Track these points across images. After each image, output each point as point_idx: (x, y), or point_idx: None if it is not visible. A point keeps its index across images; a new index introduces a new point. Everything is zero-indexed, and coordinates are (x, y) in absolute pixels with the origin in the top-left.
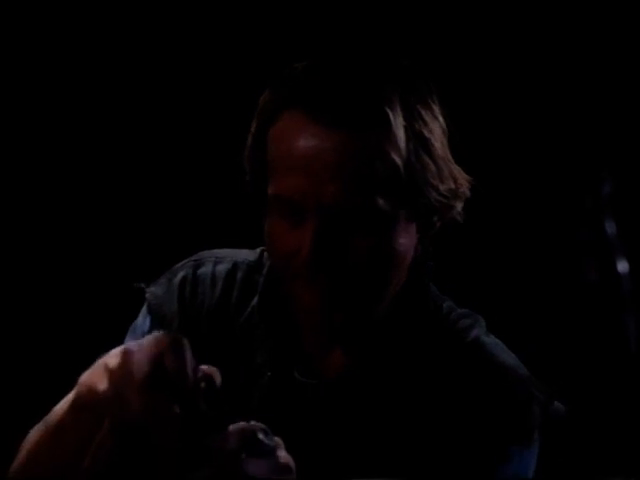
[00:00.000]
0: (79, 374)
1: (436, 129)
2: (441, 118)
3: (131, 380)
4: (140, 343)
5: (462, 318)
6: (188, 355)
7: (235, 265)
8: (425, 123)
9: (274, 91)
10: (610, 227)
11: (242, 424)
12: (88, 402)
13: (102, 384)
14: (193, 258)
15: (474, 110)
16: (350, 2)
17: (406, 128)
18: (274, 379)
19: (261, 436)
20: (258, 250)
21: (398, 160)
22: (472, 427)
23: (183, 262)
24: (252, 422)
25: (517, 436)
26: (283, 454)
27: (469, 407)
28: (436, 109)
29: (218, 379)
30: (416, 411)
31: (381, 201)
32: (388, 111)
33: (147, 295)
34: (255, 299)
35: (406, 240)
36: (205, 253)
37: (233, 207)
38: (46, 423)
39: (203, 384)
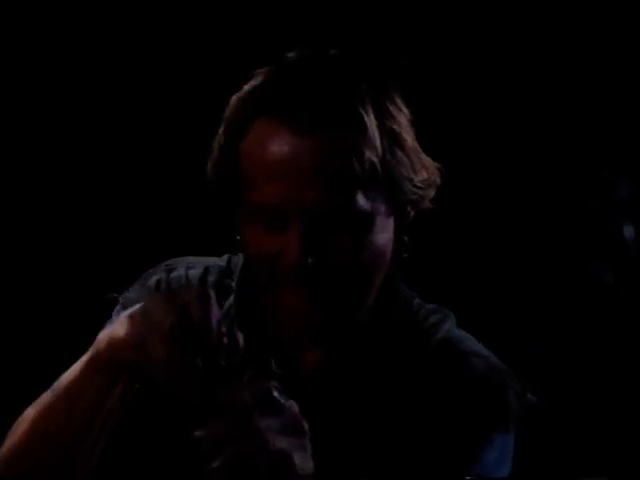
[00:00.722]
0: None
1: (404, 122)
2: (404, 108)
3: (156, 327)
4: (165, 293)
5: (432, 314)
6: (214, 308)
7: (207, 270)
8: (394, 118)
9: (241, 101)
10: (628, 231)
11: (257, 381)
12: (106, 357)
13: (125, 331)
14: (164, 264)
15: (479, 113)
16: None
17: (378, 126)
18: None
19: (276, 393)
20: (226, 257)
21: (374, 158)
22: (449, 418)
23: (154, 268)
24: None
25: (496, 422)
26: (296, 413)
27: (445, 399)
28: (398, 100)
29: (241, 339)
30: (393, 405)
31: (361, 200)
32: (361, 111)
33: (121, 300)
34: (228, 301)
35: (386, 235)
36: (176, 260)
37: (198, 216)
38: (55, 391)
39: (226, 339)
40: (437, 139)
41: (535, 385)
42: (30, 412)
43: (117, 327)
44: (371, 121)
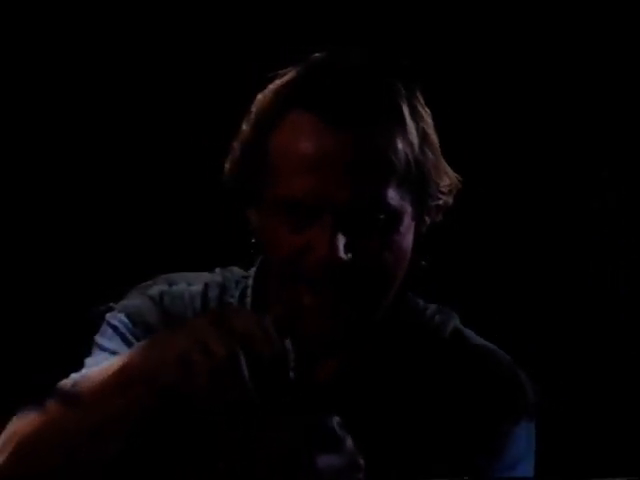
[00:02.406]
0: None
1: (431, 124)
2: (429, 111)
3: (209, 355)
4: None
5: (437, 313)
6: (287, 343)
7: (207, 286)
8: (423, 118)
9: (273, 94)
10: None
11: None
12: (141, 374)
13: (168, 351)
14: (162, 277)
15: (479, 113)
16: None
17: (414, 124)
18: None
19: (337, 428)
20: (218, 272)
21: (410, 155)
22: (475, 411)
23: (150, 281)
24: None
25: (520, 410)
26: (354, 449)
27: (467, 393)
28: (424, 103)
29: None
30: (416, 406)
31: (393, 196)
32: (400, 107)
33: (118, 308)
34: None
35: (410, 238)
36: (171, 275)
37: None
38: (69, 398)
39: (292, 374)
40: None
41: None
42: (34, 418)
43: (157, 344)
44: (408, 117)
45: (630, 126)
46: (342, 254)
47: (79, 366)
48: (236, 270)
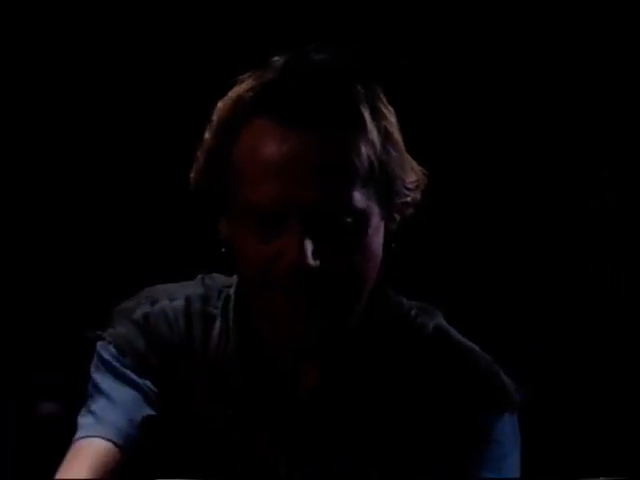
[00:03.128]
0: None
1: (394, 122)
2: (392, 109)
3: None
4: None
5: (421, 312)
6: None
7: (188, 299)
8: (385, 117)
9: (234, 103)
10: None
11: None
12: None
13: None
14: (144, 295)
15: (479, 113)
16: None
17: (374, 124)
18: (256, 406)
19: None
20: (199, 280)
21: (372, 155)
22: (459, 409)
23: (132, 301)
24: None
25: (503, 402)
26: None
27: (449, 391)
28: (385, 101)
29: None
30: (397, 410)
31: (359, 197)
32: (359, 108)
33: (110, 338)
34: (215, 328)
35: (379, 240)
36: (153, 290)
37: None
38: None
39: None
40: (439, 139)
41: (534, 384)
42: None
43: None
44: (368, 118)
45: (630, 126)
46: (310, 260)
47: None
48: (217, 278)
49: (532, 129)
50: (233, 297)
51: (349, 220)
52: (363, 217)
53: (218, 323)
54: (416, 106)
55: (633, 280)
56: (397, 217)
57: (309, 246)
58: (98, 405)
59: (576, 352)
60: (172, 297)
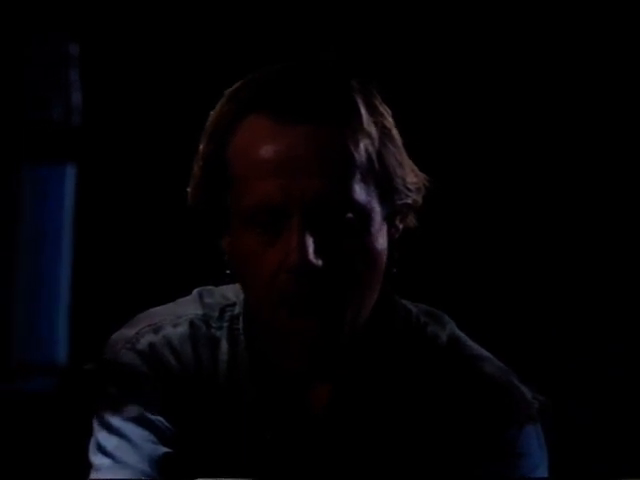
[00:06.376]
0: None
1: (391, 121)
2: (388, 109)
3: None
4: None
5: (431, 320)
6: None
7: (192, 324)
8: (383, 115)
9: (224, 104)
10: None
11: None
12: None
13: None
14: (148, 324)
15: (479, 113)
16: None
17: (371, 119)
18: (272, 435)
19: None
20: (197, 299)
21: (370, 147)
22: (480, 423)
23: (130, 328)
24: None
25: (526, 414)
26: None
27: (464, 408)
28: (381, 101)
29: None
30: (414, 425)
31: (360, 193)
32: (356, 102)
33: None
34: (222, 355)
35: (383, 241)
36: (152, 312)
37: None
38: None
39: None
40: (440, 139)
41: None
42: None
43: None
44: (365, 112)
45: (630, 126)
46: (312, 257)
47: None
48: (216, 293)
49: (532, 129)
50: (241, 320)
51: (350, 215)
52: (364, 213)
53: (224, 346)
54: (413, 106)
55: (633, 280)
56: (399, 224)
57: (311, 244)
58: (111, 444)
59: (576, 352)
60: (177, 323)
